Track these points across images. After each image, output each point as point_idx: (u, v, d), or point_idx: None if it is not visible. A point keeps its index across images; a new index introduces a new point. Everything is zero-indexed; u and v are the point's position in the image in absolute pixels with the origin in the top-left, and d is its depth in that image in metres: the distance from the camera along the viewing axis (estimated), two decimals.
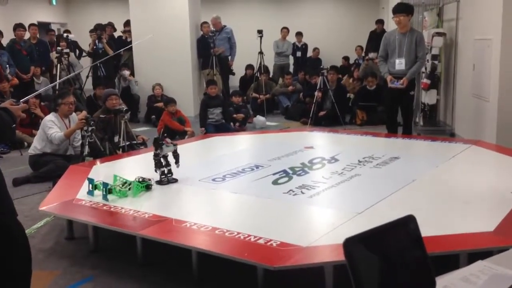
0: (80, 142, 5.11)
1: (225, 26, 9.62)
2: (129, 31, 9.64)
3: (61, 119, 5.39)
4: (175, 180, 3.83)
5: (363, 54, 11.10)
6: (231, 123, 7.82)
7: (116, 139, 5.51)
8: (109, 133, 5.53)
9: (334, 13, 14.20)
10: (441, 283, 1.09)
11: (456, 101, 7.04)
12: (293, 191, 3.53)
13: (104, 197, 3.43)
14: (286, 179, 3.86)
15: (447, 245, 2.58)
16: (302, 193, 3.50)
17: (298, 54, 11.73)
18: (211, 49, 9.03)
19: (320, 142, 5.56)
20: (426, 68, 7.15)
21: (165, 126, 7.01)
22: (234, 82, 10.79)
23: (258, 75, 10.04)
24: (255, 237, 2.70)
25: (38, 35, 9.26)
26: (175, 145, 3.86)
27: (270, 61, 10.78)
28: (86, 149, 4.79)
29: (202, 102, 7.94)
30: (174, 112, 7.21)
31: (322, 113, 8.24)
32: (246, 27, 11.80)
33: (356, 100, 8.74)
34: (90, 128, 4.83)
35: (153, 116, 8.45)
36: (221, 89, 8.88)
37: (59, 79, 8.16)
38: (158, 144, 3.75)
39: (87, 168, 4.29)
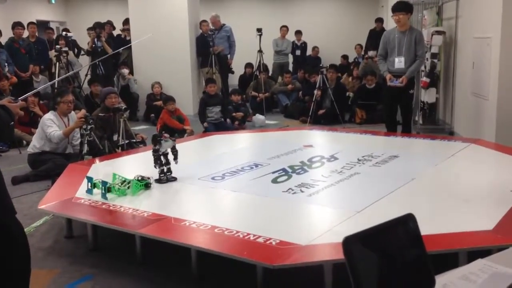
0: (79, 140, 5.12)
1: (224, 24, 9.62)
2: (128, 30, 9.64)
3: (60, 118, 5.39)
4: (174, 179, 3.83)
5: (362, 53, 11.10)
6: (229, 121, 7.80)
7: (115, 137, 5.51)
8: (108, 131, 5.53)
9: (334, 12, 14.20)
10: (441, 282, 1.09)
11: (456, 99, 7.04)
12: (293, 190, 3.53)
13: (103, 196, 3.42)
14: (285, 177, 3.85)
15: (446, 243, 2.57)
16: (302, 191, 3.49)
17: (298, 52, 11.69)
18: (210, 48, 9.02)
19: (319, 140, 5.56)
20: (425, 67, 7.14)
21: (164, 125, 7.01)
22: (234, 80, 10.80)
23: (258, 73, 10.03)
24: (254, 235, 2.69)
25: (37, 34, 9.26)
26: (173, 140, 3.86)
27: (269, 60, 10.77)
28: (85, 148, 4.79)
29: (201, 100, 7.93)
30: (173, 111, 7.20)
31: (321, 111, 8.24)
32: (245, 25, 11.79)
33: (355, 98, 8.73)
34: (89, 127, 4.83)
35: (152, 115, 8.45)
36: (220, 88, 8.88)
37: (58, 77, 8.16)
38: (156, 140, 3.74)
39: (86, 167, 4.28)
